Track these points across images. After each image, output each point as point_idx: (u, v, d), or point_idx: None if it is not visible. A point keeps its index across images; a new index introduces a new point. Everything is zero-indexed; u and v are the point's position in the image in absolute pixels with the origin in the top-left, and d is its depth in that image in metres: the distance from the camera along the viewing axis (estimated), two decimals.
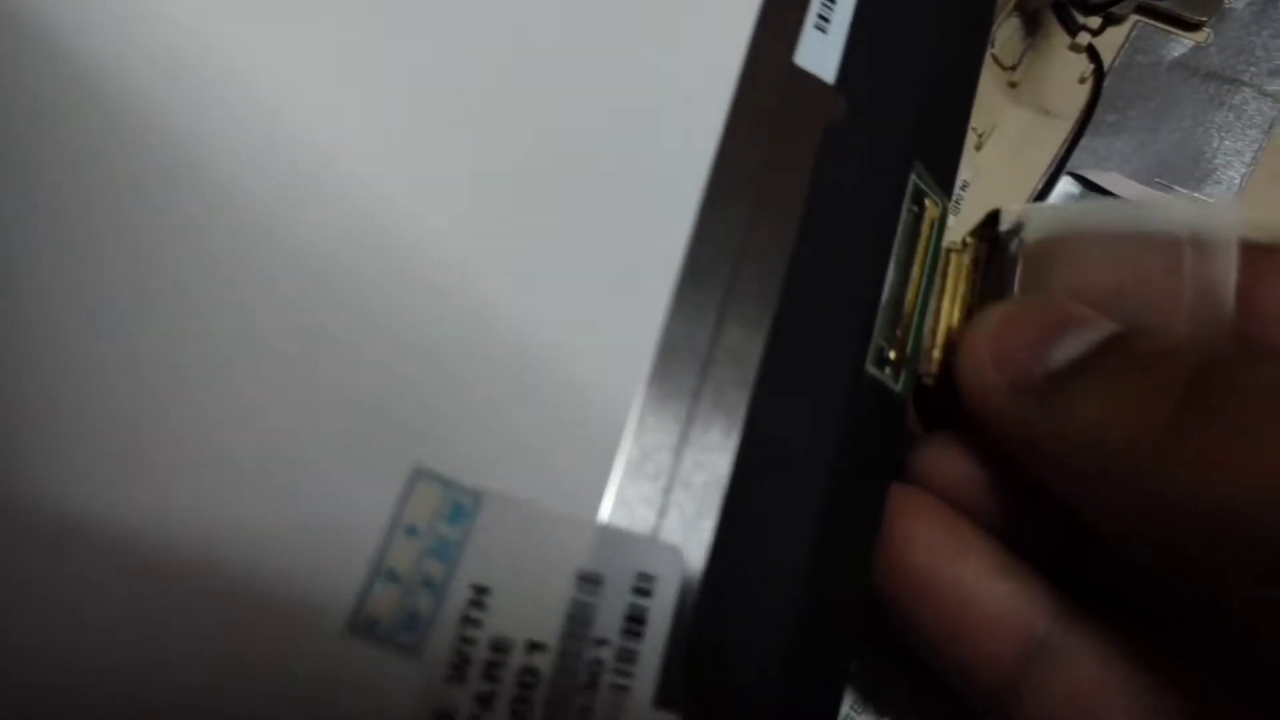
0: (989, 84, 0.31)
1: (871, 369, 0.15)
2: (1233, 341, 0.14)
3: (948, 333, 0.17)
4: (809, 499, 0.13)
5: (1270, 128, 0.30)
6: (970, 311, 0.17)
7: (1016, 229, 0.17)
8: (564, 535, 0.11)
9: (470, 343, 0.12)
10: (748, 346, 0.13)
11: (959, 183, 0.29)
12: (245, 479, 0.10)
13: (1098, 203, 0.18)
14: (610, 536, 0.12)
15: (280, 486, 0.11)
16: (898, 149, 0.16)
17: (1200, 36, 0.32)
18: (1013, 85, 0.31)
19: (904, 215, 0.16)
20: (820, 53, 0.15)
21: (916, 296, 0.16)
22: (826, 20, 0.15)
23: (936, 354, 0.16)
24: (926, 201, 0.16)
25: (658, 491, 0.12)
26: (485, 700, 0.11)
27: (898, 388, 0.15)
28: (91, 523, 0.10)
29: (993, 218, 0.17)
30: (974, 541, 0.14)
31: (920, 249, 0.16)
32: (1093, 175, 0.29)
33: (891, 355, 0.15)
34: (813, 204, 0.14)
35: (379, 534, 0.11)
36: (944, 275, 0.17)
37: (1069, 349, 0.14)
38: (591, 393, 0.13)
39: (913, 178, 0.16)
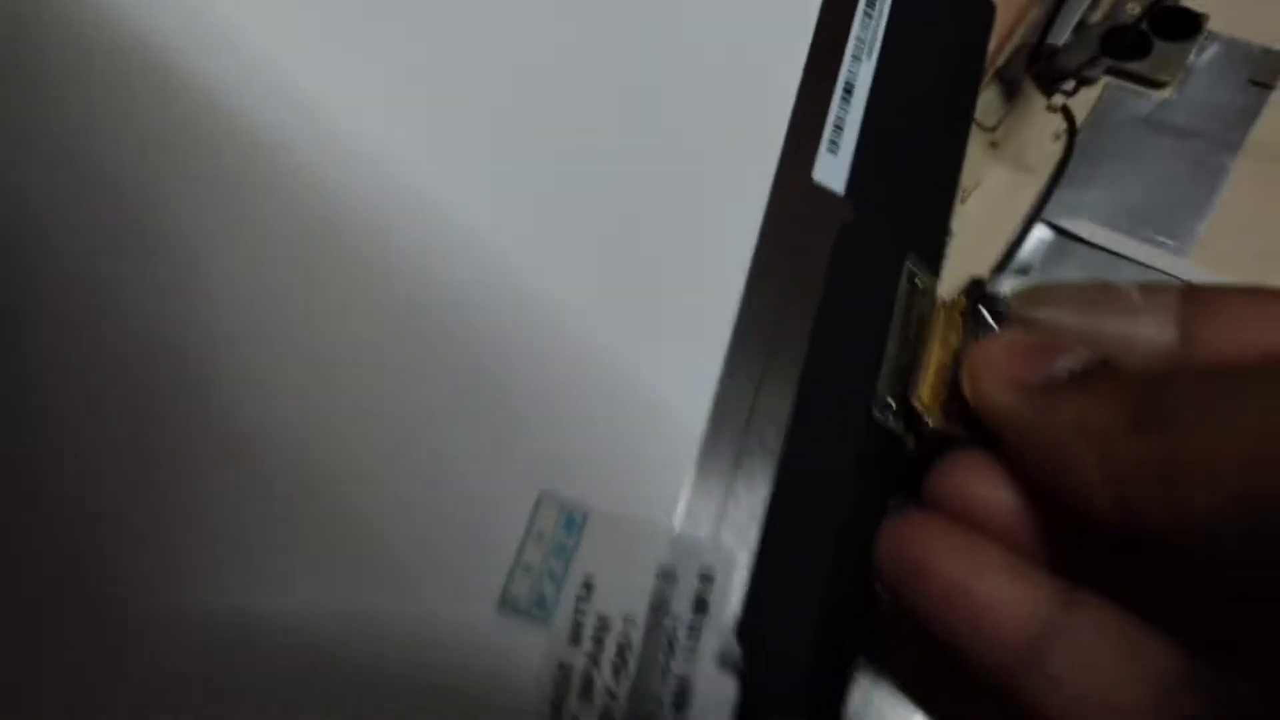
0: (972, 145, 0.35)
1: (877, 414, 0.19)
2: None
3: (940, 370, 0.20)
4: (831, 519, 0.17)
5: (1228, 177, 0.34)
6: (959, 355, 0.20)
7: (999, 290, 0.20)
8: (648, 540, 0.16)
9: (581, 388, 0.16)
10: (781, 403, 0.18)
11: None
12: (424, 499, 0.15)
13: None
14: (682, 540, 0.16)
15: (448, 500, 0.15)
16: (896, 240, 0.20)
17: (1165, 94, 0.36)
18: (994, 145, 0.35)
19: (901, 291, 0.20)
20: (832, 170, 0.19)
21: (912, 355, 0.20)
22: (836, 144, 0.20)
23: (931, 390, 0.20)
24: (918, 279, 0.20)
25: (717, 507, 0.17)
26: (594, 658, 0.15)
27: (900, 429, 0.19)
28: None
29: (977, 283, 0.21)
30: (984, 547, 0.17)
31: (915, 319, 0.20)
32: (1064, 223, 0.33)
33: (893, 404, 0.19)
34: (830, 289, 0.18)
35: (517, 537, 0.15)
36: (936, 324, 0.20)
37: (1065, 363, 0.17)
38: (669, 435, 0.17)
39: (907, 262, 0.20)
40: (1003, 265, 0.33)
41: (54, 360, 0.15)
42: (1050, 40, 0.32)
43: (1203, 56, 0.37)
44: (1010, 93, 0.35)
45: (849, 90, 0.21)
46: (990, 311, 0.20)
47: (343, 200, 0.16)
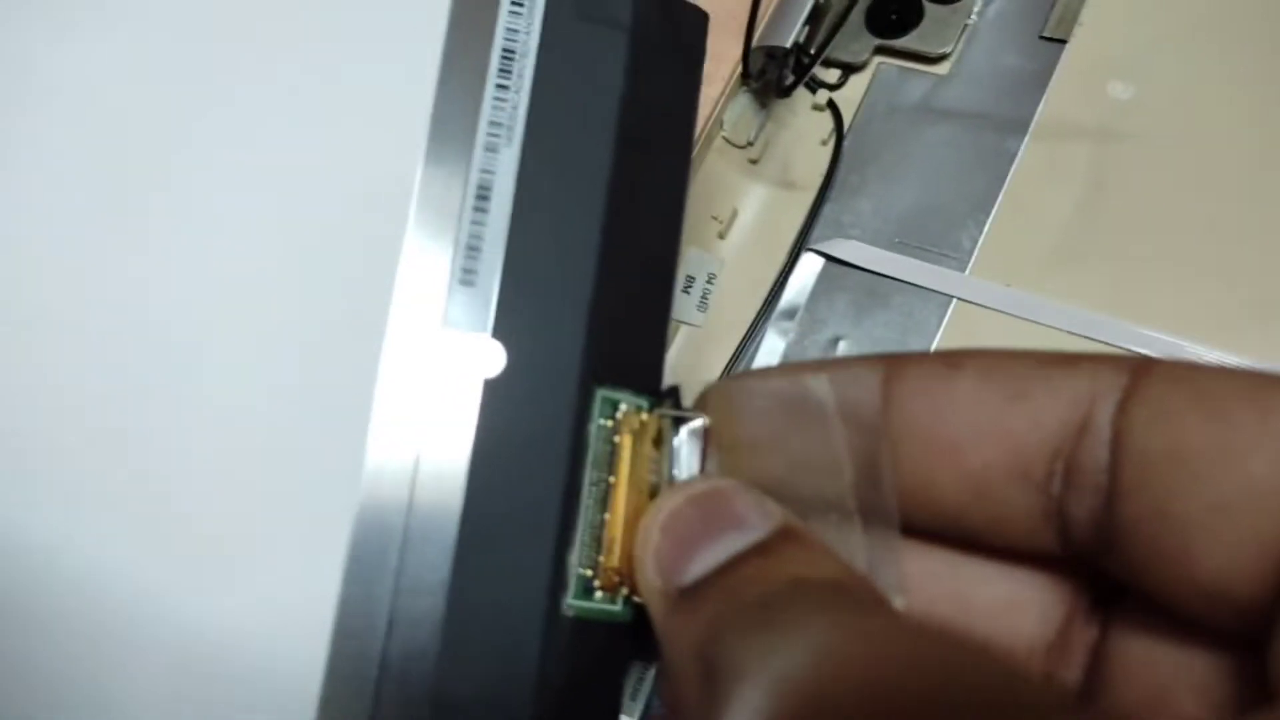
0: (725, 168, 0.31)
1: (574, 601, 0.15)
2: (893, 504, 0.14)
3: (636, 522, 0.15)
4: None
5: (1015, 165, 0.30)
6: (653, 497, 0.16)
7: (691, 407, 0.16)
8: None
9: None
10: (426, 618, 0.14)
11: (705, 275, 0.29)
12: None
13: (760, 376, 0.18)
14: None
15: None
16: (579, 374, 0.16)
17: (942, 69, 0.32)
18: (753, 162, 0.31)
19: (595, 434, 0.16)
20: (468, 309, 0.15)
21: (622, 510, 0.16)
22: (472, 272, 0.15)
23: (624, 551, 0.15)
24: (621, 411, 0.16)
25: None
26: None
27: (617, 607, 0.15)
28: None
29: (673, 391, 0.17)
30: None
31: (620, 460, 0.16)
32: (832, 248, 0.29)
33: (598, 582, 0.15)
34: (481, 456, 0.15)
35: None
36: (622, 463, 0.16)
37: (704, 562, 0.13)
38: (282, 680, 0.14)
39: (601, 393, 0.16)
40: (768, 308, 0.29)
41: None
42: (775, 42, 0.27)
43: (986, 13, 0.33)
44: (764, 99, 0.31)
45: (484, 195, 0.16)
46: (681, 428, 0.16)
47: None
